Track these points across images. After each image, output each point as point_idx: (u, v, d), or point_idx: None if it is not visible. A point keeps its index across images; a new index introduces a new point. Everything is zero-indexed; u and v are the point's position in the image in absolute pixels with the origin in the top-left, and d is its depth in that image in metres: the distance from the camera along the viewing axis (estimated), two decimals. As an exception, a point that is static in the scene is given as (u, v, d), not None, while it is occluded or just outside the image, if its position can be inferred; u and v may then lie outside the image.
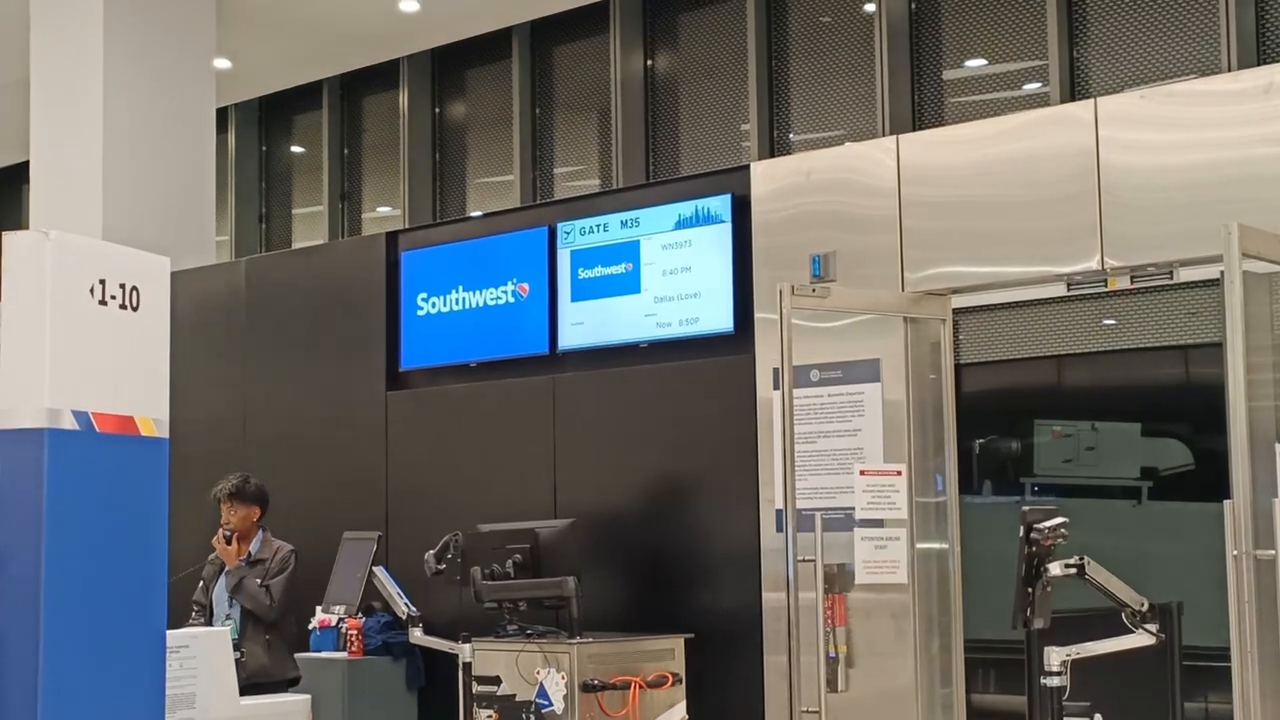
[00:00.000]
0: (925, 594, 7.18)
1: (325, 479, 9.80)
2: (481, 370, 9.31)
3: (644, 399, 8.54)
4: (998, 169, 7.24)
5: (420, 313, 9.61)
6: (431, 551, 7.25)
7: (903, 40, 11.27)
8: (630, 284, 8.65)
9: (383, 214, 14.54)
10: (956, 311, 7.46)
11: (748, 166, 8.35)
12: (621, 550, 8.31)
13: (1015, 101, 10.68)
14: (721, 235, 8.25)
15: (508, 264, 9.20)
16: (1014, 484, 9.92)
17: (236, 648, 7.35)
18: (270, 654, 7.46)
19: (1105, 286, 7.06)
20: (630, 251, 8.66)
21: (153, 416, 3.49)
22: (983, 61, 11.14)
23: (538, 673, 5.86)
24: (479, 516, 7.54)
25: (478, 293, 9.32)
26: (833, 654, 6.65)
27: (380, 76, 14.55)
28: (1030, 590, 4.73)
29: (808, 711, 6.58)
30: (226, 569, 8.14)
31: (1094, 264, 6.89)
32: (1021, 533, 4.85)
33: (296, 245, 15.03)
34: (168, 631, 3.83)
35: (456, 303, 9.43)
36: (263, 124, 15.68)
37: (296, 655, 8.47)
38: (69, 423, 3.31)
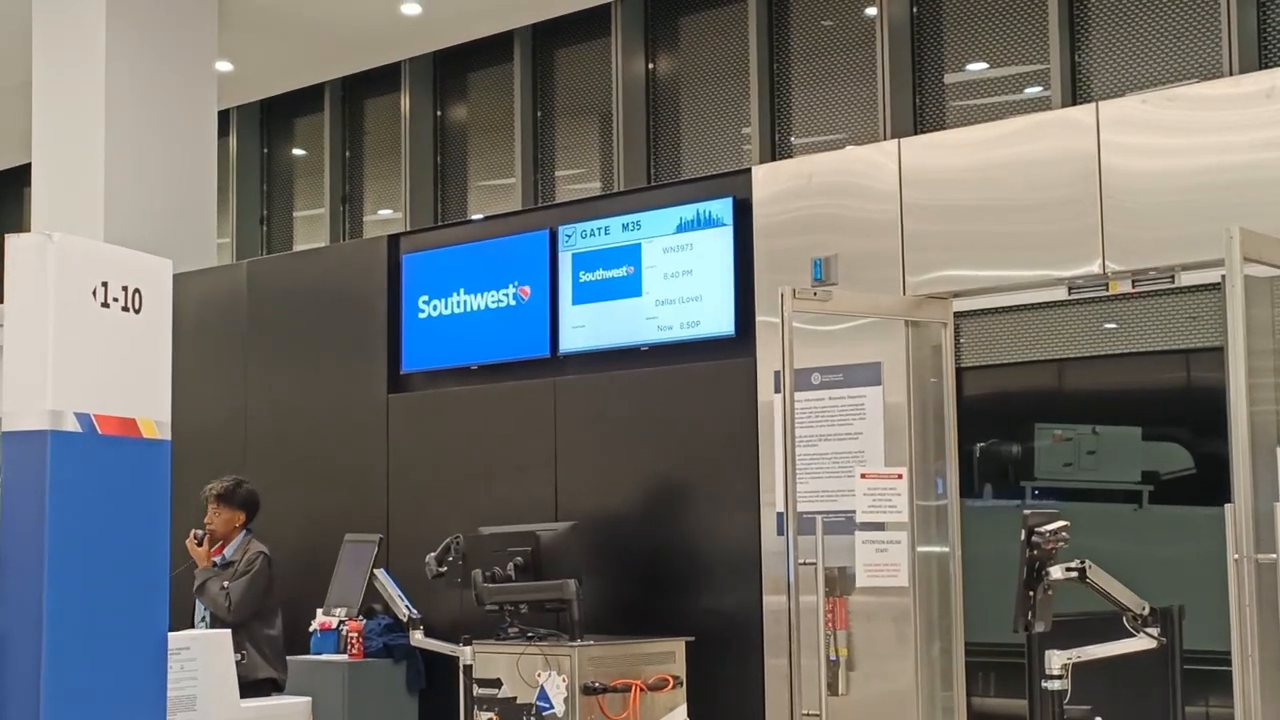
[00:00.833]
0: (926, 597, 7.17)
1: (326, 481, 9.81)
2: (483, 373, 9.31)
3: (645, 402, 8.54)
4: (999, 173, 7.24)
5: (421, 315, 9.61)
6: (433, 554, 7.25)
7: (904, 44, 11.28)
8: (631, 287, 8.65)
9: (384, 217, 14.54)
10: (958, 315, 7.46)
11: (749, 170, 8.35)
12: (622, 553, 8.31)
13: (1017, 105, 10.68)
14: (723, 238, 8.25)
15: (509, 267, 9.20)
16: (1015, 487, 9.92)
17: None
18: (239, 657, 7.45)
19: (1106, 290, 7.06)
20: (631, 254, 8.67)
21: (155, 418, 3.49)
22: (984, 65, 11.14)
23: (538, 675, 5.86)
24: (480, 519, 7.54)
25: (479, 295, 9.32)
26: (834, 657, 6.66)
27: (382, 79, 14.55)
28: (1031, 594, 4.73)
29: (808, 715, 6.58)
30: (199, 570, 8.15)
31: (1095, 268, 6.90)
32: (1023, 536, 4.85)
33: (298, 248, 15.04)
34: (169, 634, 3.84)
35: (458, 305, 9.43)
36: (264, 126, 15.69)
37: (296, 657, 8.50)
38: (71, 424, 3.31)
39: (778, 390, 7.07)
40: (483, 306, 9.31)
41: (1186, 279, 6.76)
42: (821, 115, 11.79)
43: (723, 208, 8.28)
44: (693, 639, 6.39)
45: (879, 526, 6.94)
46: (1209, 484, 6.99)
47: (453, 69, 14.14)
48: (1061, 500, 9.65)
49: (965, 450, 7.62)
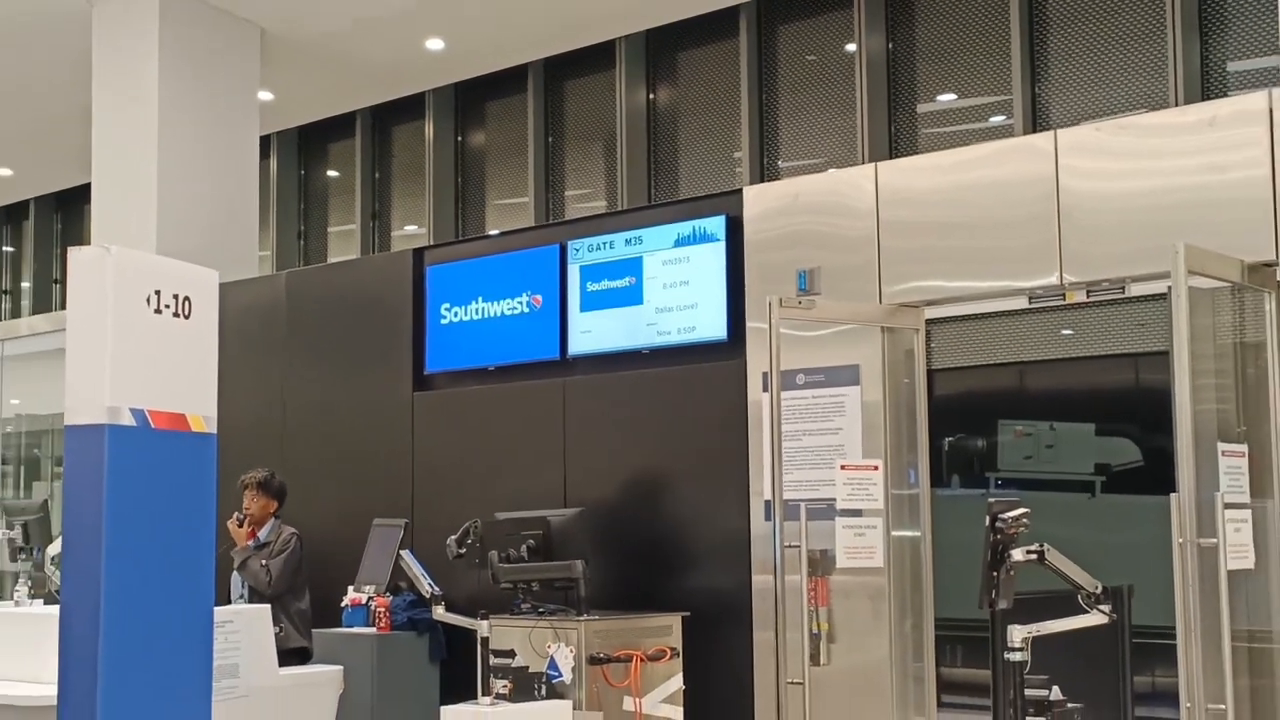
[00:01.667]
0: (899, 577, 7.18)
1: (357, 471, 9.81)
2: (499, 374, 9.31)
3: (646, 400, 8.55)
4: (967, 194, 7.24)
5: (443, 321, 9.61)
6: (453, 537, 7.26)
7: (880, 76, 11.29)
8: (633, 296, 8.66)
9: (410, 232, 14.55)
10: (929, 322, 7.47)
11: (740, 190, 8.35)
12: (625, 536, 8.31)
13: (982, 133, 10.70)
14: (716, 252, 8.25)
15: (523, 277, 9.21)
16: (980, 478, 9.93)
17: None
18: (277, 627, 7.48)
19: (1063, 300, 7.06)
20: (634, 267, 8.67)
21: (202, 414, 3.50)
22: (953, 96, 11.16)
23: (549, 647, 5.86)
24: (496, 505, 7.55)
25: (495, 303, 9.33)
26: (815, 631, 6.65)
27: (408, 108, 14.57)
28: (995, 574, 4.74)
29: (793, 683, 6.58)
30: (236, 550, 8.22)
31: (1053, 279, 6.90)
32: (987, 522, 4.85)
33: (332, 260, 15.05)
34: (216, 610, 3.85)
35: (476, 312, 9.43)
36: (301, 151, 15.70)
37: (327, 630, 8.52)
38: (127, 419, 3.32)
39: (766, 389, 7.06)
40: (499, 313, 9.31)
41: (1136, 290, 6.77)
42: (806, 141, 11.81)
43: (716, 224, 8.28)
44: (688, 614, 6.40)
45: (857, 513, 6.95)
46: (1156, 475, 6.98)
47: (472, 99, 14.15)
48: (1022, 490, 9.64)
49: (935, 444, 7.62)
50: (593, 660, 5.84)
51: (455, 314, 9.56)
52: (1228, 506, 5.79)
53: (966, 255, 7.20)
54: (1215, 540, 5.70)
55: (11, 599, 7.77)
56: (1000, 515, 4.75)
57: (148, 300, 3.44)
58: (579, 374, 8.93)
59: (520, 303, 9.20)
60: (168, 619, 3.36)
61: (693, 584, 8.00)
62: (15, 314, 18.14)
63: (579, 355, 8.90)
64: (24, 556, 7.94)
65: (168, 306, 3.48)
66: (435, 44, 13.06)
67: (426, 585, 7.46)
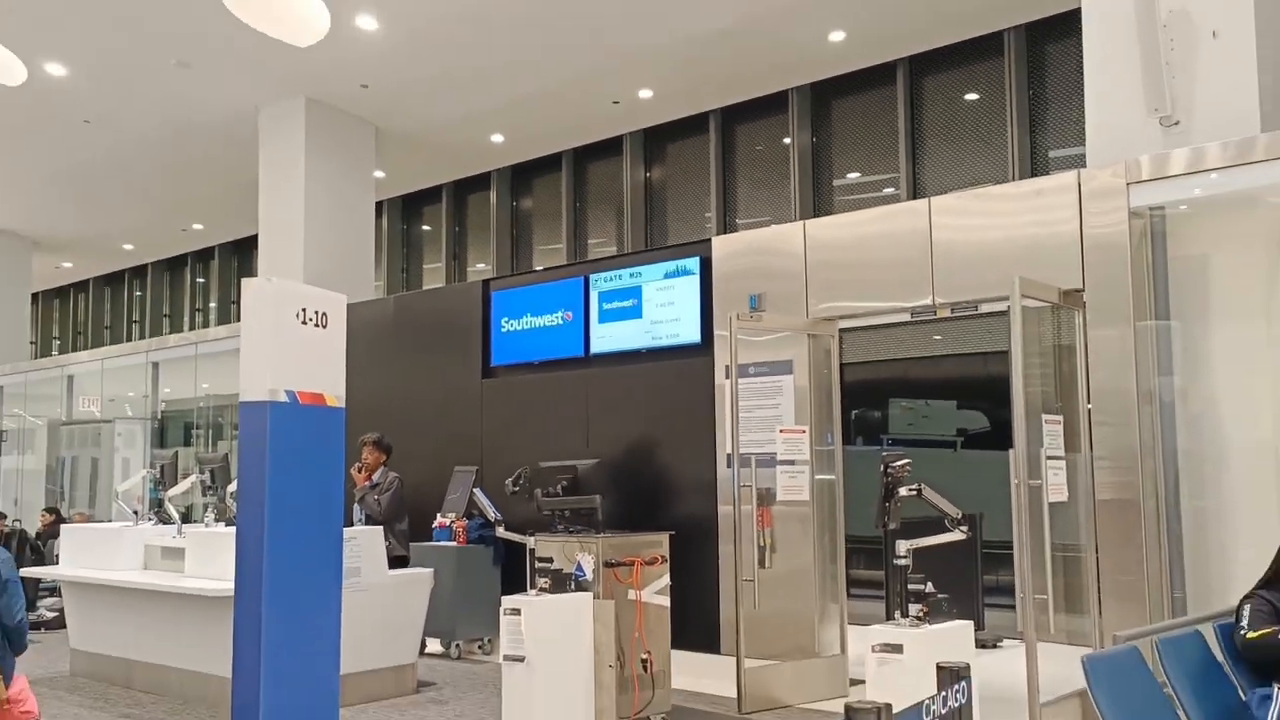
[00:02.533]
0: (820, 507, 7.18)
1: (443, 433, 9.83)
2: (541, 366, 9.32)
3: (644, 385, 8.56)
4: (867, 242, 7.24)
5: (503, 330, 9.62)
6: (510, 479, 7.25)
7: (808, 160, 11.30)
8: (636, 312, 8.67)
9: (480, 268, 14.58)
10: (842, 331, 7.46)
11: (710, 239, 8.35)
12: (629, 479, 8.31)
13: (878, 199, 10.70)
14: (693, 282, 8.26)
15: (558, 300, 9.21)
16: (876, 439, 9.97)
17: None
18: (385, 543, 7.50)
19: (935, 315, 7.04)
20: (636, 293, 8.68)
21: (335, 393, 3.49)
22: (858, 174, 11.15)
23: (577, 555, 5.86)
24: (539, 457, 7.54)
25: (540, 317, 9.34)
26: (761, 544, 6.64)
27: (477, 182, 14.61)
28: (886, 505, 4.74)
29: (746, 580, 6.58)
30: (357, 489, 8.26)
31: (928, 301, 6.89)
32: (881, 468, 4.85)
33: (425, 287, 15.07)
34: (344, 530, 3.85)
35: (526, 324, 9.44)
36: (404, 211, 15.73)
37: (422, 544, 8.54)
38: (283, 397, 3.31)
39: (727, 377, 7.07)
40: (542, 325, 9.31)
41: (985, 308, 6.76)
42: (755, 205, 11.82)
43: (693, 263, 8.29)
44: (673, 533, 6.37)
45: (791, 463, 6.93)
46: (999, 437, 6.99)
47: (523, 175, 14.18)
48: (906, 446, 9.69)
49: (846, 415, 7.62)
50: (607, 564, 5.84)
51: (511, 325, 9.56)
52: (1049, 458, 5.79)
53: (867, 284, 7.19)
54: (1040, 481, 5.70)
55: (203, 523, 7.77)
56: (890, 463, 4.75)
57: (297, 315, 3.43)
58: (598, 367, 8.94)
59: (557, 317, 9.20)
60: (311, 535, 3.36)
61: (676, 512, 8.01)
62: (205, 325, 18.17)
63: (598, 354, 8.92)
64: (211, 492, 7.94)
65: (311, 319, 3.47)
66: (498, 138, 13.09)
67: (492, 513, 7.44)
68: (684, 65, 10.92)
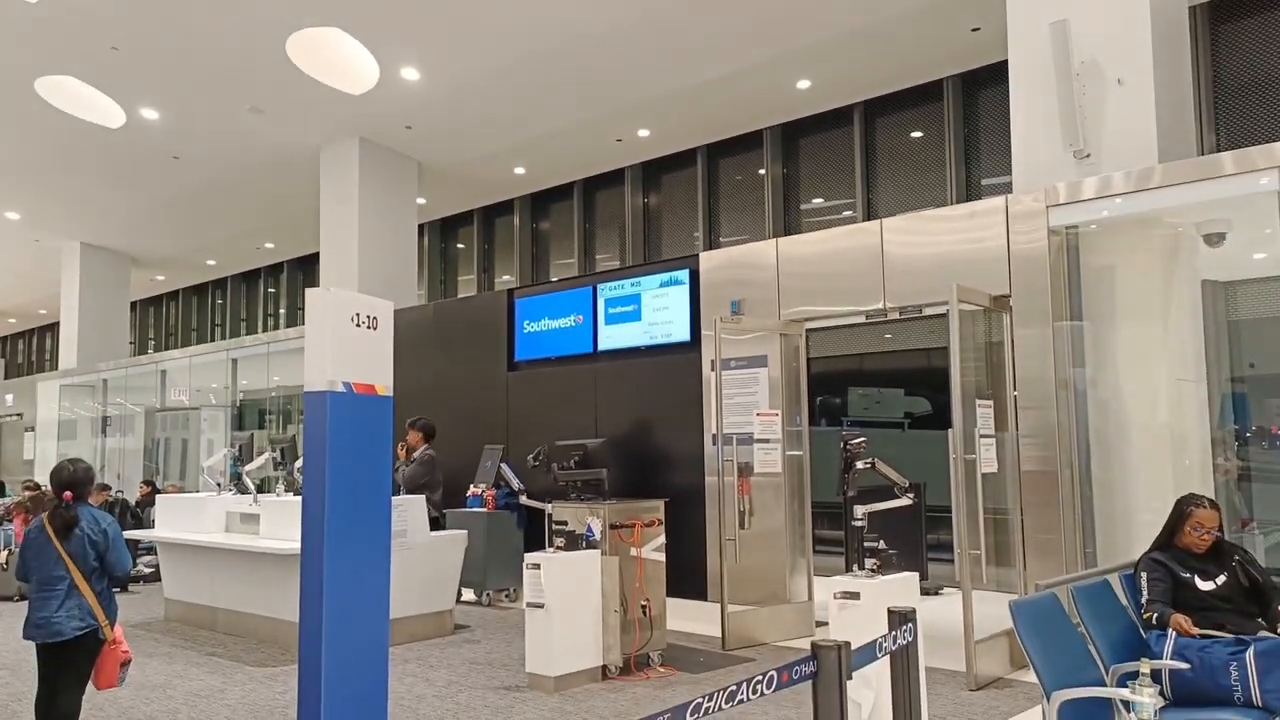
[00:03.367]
0: (790, 478, 7.18)
1: (475, 418, 9.81)
2: (558, 361, 9.31)
3: (643, 376, 8.54)
4: (830, 256, 7.23)
5: (526, 331, 9.60)
6: (531, 455, 7.26)
7: (779, 188, 11.26)
8: (635, 316, 8.65)
9: (506, 279, 14.54)
10: (809, 331, 7.45)
11: (698, 255, 8.33)
12: (631, 455, 8.31)
13: (838, 220, 10.67)
14: (684, 291, 8.24)
15: (571, 305, 9.19)
16: (837, 421, 9.96)
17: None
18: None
19: (885, 317, 7.04)
20: (636, 299, 8.66)
21: (384, 384, 3.47)
22: (821, 199, 11.12)
23: (587, 519, 5.85)
24: (557, 436, 7.54)
25: (556, 320, 9.32)
26: (741, 509, 6.65)
27: (504, 207, 14.56)
28: (846, 475, 4.72)
29: (728, 539, 6.59)
30: (400, 463, 8.19)
31: (880, 305, 6.88)
32: (841, 445, 4.83)
33: (460, 295, 15.05)
34: (393, 498, 3.84)
35: (544, 326, 9.42)
36: (442, 233, 15.69)
37: (457, 510, 8.53)
38: (340, 388, 3.30)
39: (712, 370, 7.07)
40: (558, 326, 9.30)
41: (929, 311, 6.76)
42: (737, 226, 11.78)
43: (684, 274, 8.27)
44: (668, 499, 6.38)
45: (766, 441, 6.94)
46: (940, 419, 6.98)
47: (541, 202, 14.14)
48: (863, 427, 9.66)
49: (812, 401, 7.61)
50: (613, 526, 5.83)
51: (532, 327, 9.55)
52: (981, 436, 5.80)
53: (829, 292, 7.18)
54: (974, 456, 5.71)
55: (275, 493, 7.77)
56: (849, 441, 4.72)
57: (352, 319, 3.41)
58: (604, 361, 8.93)
59: (570, 320, 9.19)
60: (364, 502, 3.35)
61: (671, 482, 8.01)
62: (276, 327, 18.15)
63: (604, 350, 8.90)
64: (281, 467, 7.93)
65: (363, 322, 3.45)
66: (520, 170, 13.06)
67: (516, 484, 7.44)
68: (676, 110, 10.91)
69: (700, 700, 2.34)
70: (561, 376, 9.21)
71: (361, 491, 3.36)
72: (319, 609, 3.16)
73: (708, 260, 8.13)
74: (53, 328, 24.27)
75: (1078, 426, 6.13)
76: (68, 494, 4.19)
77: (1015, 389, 6.17)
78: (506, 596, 8.49)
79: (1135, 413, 6.12)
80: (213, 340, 19.18)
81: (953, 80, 10.02)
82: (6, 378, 25.92)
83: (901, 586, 4.44)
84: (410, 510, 7.07)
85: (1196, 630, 3.72)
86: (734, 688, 2.39)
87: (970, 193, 9.82)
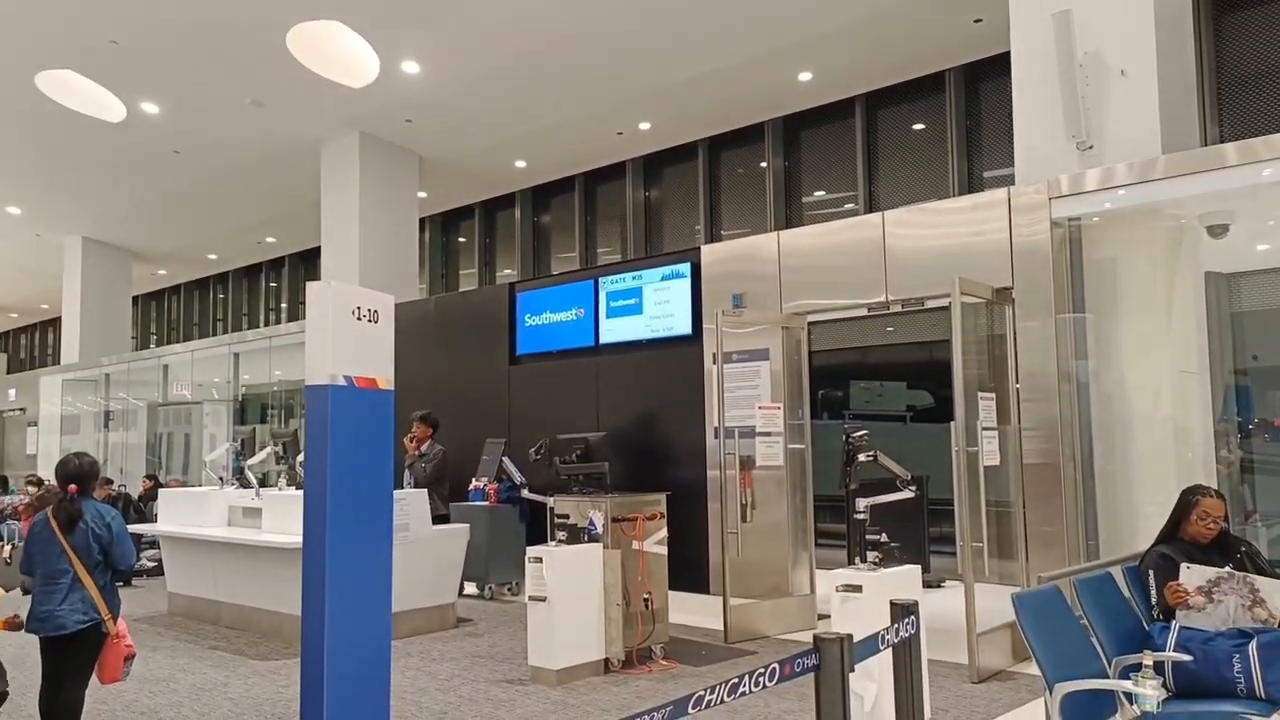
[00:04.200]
0: (793, 471, 7.17)
1: (477, 411, 9.81)
2: (560, 355, 9.29)
3: (645, 370, 8.53)
4: (832, 249, 7.21)
5: (527, 324, 9.59)
6: (533, 448, 7.25)
7: (781, 181, 11.24)
8: (637, 309, 8.63)
9: (507, 273, 14.53)
10: (811, 324, 7.44)
11: (699, 248, 8.31)
12: (633, 448, 8.31)
13: (841, 213, 10.65)
14: (685, 284, 8.23)
15: (573, 299, 9.18)
16: (839, 414, 9.95)
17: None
18: (429, 503, 7.45)
19: (887, 310, 7.02)
20: (637, 293, 8.64)
21: (385, 378, 3.47)
22: (823, 192, 11.10)
23: (590, 512, 5.85)
24: (558, 430, 7.53)
25: (558, 313, 9.30)
26: (744, 502, 6.64)
27: (503, 201, 14.54)
28: (848, 468, 4.71)
29: (730, 532, 6.58)
30: (407, 457, 8.18)
31: (882, 298, 6.87)
32: (843, 438, 4.82)
33: (462, 289, 15.04)
34: (395, 491, 3.84)
35: (546, 319, 9.41)
36: (443, 227, 15.67)
37: (460, 504, 8.52)
38: (342, 381, 3.30)
39: (714, 363, 7.06)
40: (559, 320, 9.28)
41: (931, 304, 6.74)
42: (738, 219, 11.76)
43: (685, 268, 8.26)
44: (670, 493, 6.37)
45: (768, 434, 6.92)
46: (942, 412, 6.96)
47: (542, 195, 14.12)
48: (865, 420, 9.68)
49: (814, 394, 7.60)
50: (614, 520, 5.83)
51: (534, 320, 9.53)
52: (984, 429, 5.78)
53: (831, 285, 7.17)
54: (977, 448, 5.70)
55: (277, 487, 7.77)
56: (851, 434, 4.71)
57: (353, 312, 3.41)
58: (606, 355, 8.92)
59: (571, 314, 9.17)
60: (365, 496, 3.34)
61: (673, 475, 8.00)
62: (278, 321, 18.15)
63: (606, 344, 8.89)
64: (283, 462, 7.93)
65: (364, 316, 3.45)
66: (521, 164, 13.04)
67: (518, 477, 7.44)
68: (676, 102, 10.88)
69: (702, 692, 2.34)
70: (563, 370, 9.21)
71: (363, 485, 3.36)
72: (321, 602, 3.16)
73: (709, 253, 8.12)
74: (55, 322, 24.29)
75: (1080, 419, 6.12)
76: (73, 487, 4.19)
77: (1017, 382, 6.16)
78: (509, 590, 8.49)
79: (1138, 405, 6.12)
80: (214, 335, 19.18)
81: (955, 72, 9.99)
82: (9, 372, 25.95)
83: (903, 579, 4.43)
84: (413, 504, 7.07)
85: (1192, 591, 3.73)
86: (736, 680, 2.39)
87: (972, 185, 9.80)
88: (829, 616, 4.40)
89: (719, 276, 7.90)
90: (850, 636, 2.54)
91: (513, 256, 14.37)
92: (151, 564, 9.93)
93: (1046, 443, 6.04)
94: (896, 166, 10.44)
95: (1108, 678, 3.52)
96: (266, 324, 18.37)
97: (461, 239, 15.52)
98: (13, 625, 4.21)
